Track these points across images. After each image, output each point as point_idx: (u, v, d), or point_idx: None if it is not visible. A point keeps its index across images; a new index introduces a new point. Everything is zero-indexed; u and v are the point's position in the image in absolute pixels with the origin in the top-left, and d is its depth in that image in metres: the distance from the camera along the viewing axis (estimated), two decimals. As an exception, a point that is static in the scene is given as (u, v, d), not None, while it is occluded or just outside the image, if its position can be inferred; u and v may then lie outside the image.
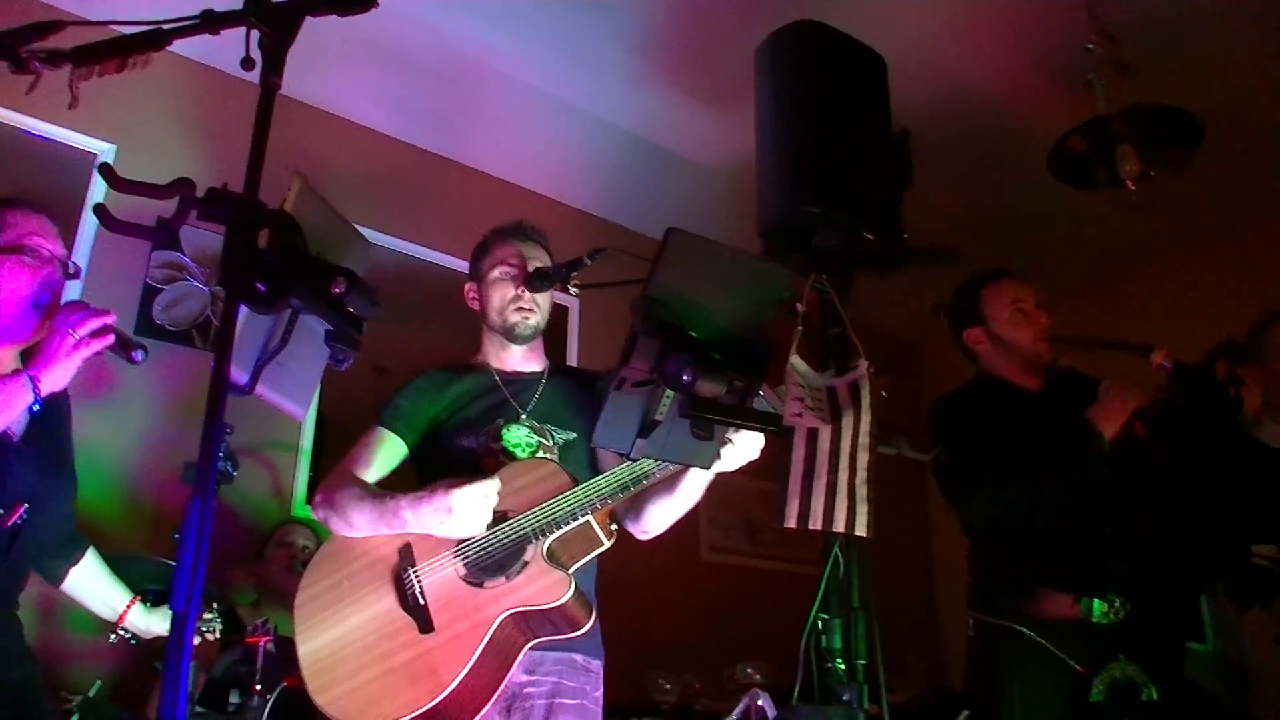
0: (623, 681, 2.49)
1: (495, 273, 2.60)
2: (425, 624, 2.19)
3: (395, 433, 2.47)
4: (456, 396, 2.54)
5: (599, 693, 2.42)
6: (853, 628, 1.75)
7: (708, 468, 2.03)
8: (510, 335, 2.58)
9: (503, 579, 2.20)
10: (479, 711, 2.18)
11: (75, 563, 2.29)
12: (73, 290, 3.15)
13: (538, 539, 2.21)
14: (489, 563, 2.21)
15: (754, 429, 1.87)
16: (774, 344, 1.73)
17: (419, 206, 4.79)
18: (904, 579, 6.19)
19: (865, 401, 1.68)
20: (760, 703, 1.98)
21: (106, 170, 1.35)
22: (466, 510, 2.14)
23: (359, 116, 4.73)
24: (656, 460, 2.13)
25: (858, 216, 2.12)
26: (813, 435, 1.68)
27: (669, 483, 2.29)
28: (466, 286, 2.68)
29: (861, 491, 1.64)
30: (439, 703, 2.10)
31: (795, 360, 1.72)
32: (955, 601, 2.95)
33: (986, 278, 3.10)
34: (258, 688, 2.53)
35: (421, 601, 2.21)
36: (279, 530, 3.69)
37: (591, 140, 4.90)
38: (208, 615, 2.48)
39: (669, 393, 1.66)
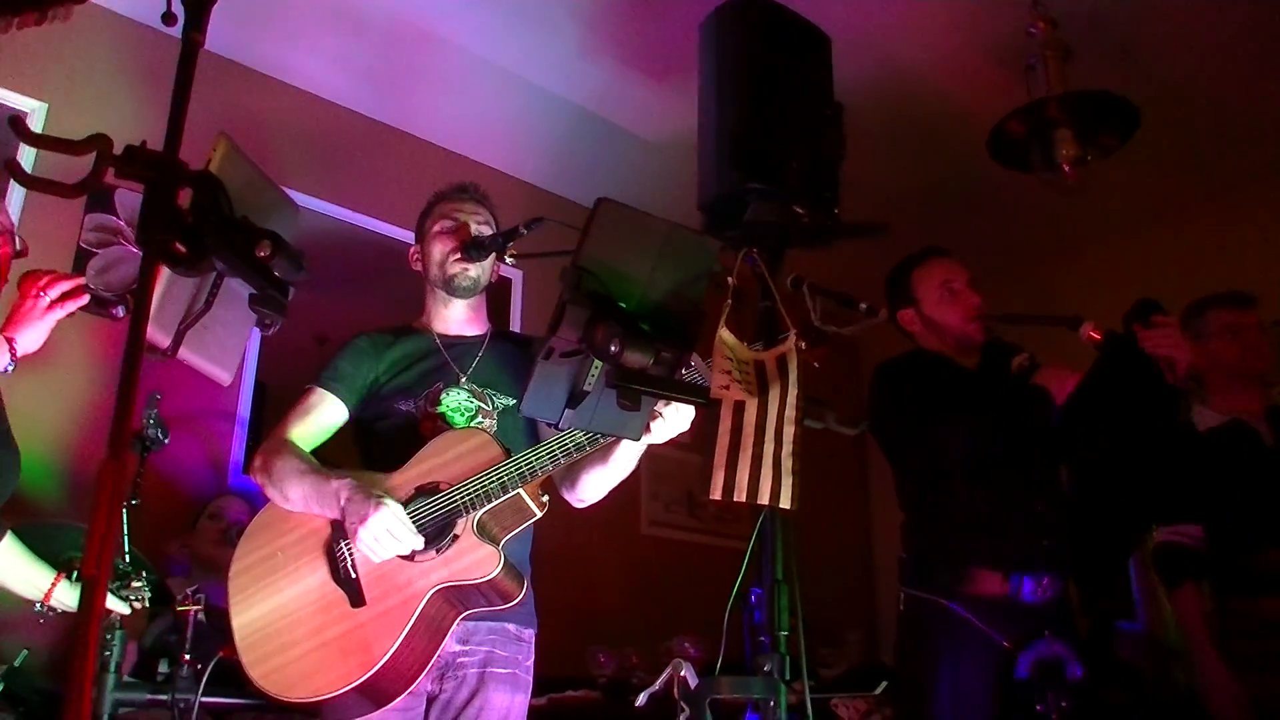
0: (561, 655, 2.51)
1: (435, 227, 2.59)
2: (357, 598, 2.18)
3: (335, 394, 2.45)
4: (396, 359, 2.52)
5: (530, 662, 2.44)
6: (775, 599, 1.76)
7: (636, 439, 2.04)
8: (450, 288, 2.56)
9: (433, 552, 2.19)
10: (411, 683, 2.19)
11: None
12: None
13: (468, 512, 2.20)
14: (403, 554, 2.19)
15: (681, 400, 1.88)
16: (706, 317, 1.73)
17: (362, 174, 4.73)
18: (843, 556, 6.27)
19: (793, 375, 1.69)
20: (683, 673, 2.00)
21: (16, 123, 1.32)
22: (380, 534, 2.12)
23: (302, 81, 4.65)
24: (584, 431, 2.13)
25: (790, 191, 2.13)
26: (739, 408, 1.68)
27: (603, 452, 2.29)
28: (411, 250, 2.67)
29: (787, 464, 1.65)
30: (371, 676, 2.11)
31: (723, 333, 1.73)
32: (892, 577, 2.99)
33: (916, 259, 3.14)
34: (187, 657, 2.50)
35: (354, 575, 2.20)
36: (212, 502, 3.64)
37: (537, 112, 4.86)
38: (136, 584, 2.45)
39: (597, 363, 1.66)
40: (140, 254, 3.57)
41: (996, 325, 3.00)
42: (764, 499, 1.65)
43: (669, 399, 1.85)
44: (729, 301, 1.76)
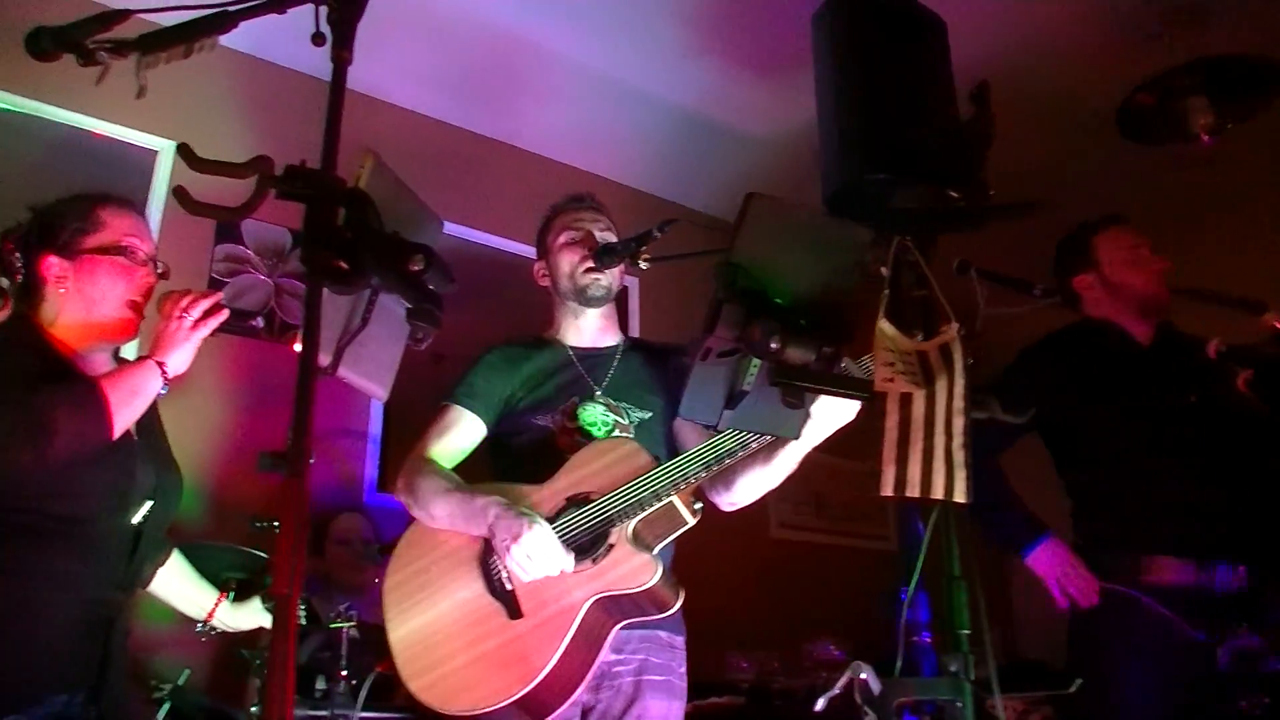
0: (697, 660, 2.47)
1: (561, 239, 2.58)
2: (514, 610, 2.18)
3: (472, 410, 2.45)
4: (531, 374, 2.52)
5: (683, 669, 2.41)
6: (953, 598, 1.70)
7: (796, 437, 2.00)
8: (583, 299, 2.55)
9: (589, 563, 2.18)
10: (570, 695, 2.17)
11: (162, 564, 2.29)
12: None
13: (622, 521, 2.19)
14: (574, 547, 2.19)
15: (845, 396, 1.83)
16: (858, 309, 1.69)
17: (468, 188, 4.77)
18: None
19: (958, 365, 1.63)
20: (863, 676, 1.93)
21: (185, 150, 1.34)
22: (532, 552, 2.10)
23: (406, 101, 4.70)
24: (743, 432, 2.10)
25: (930, 176, 2.06)
26: (905, 401, 1.63)
27: (764, 454, 2.25)
28: (536, 266, 2.66)
29: (959, 457, 1.59)
30: (532, 689, 2.09)
31: (883, 324, 1.67)
32: (1028, 573, 2.87)
33: (1098, 224, 3.07)
34: (344, 673, 2.54)
35: (509, 588, 2.19)
36: (336, 525, 3.69)
37: (641, 116, 4.84)
38: (292, 603, 2.48)
39: (755, 361, 1.62)
40: (269, 280, 3.65)
41: (1180, 296, 2.89)
42: (937, 493, 1.58)
43: (834, 394, 1.80)
44: (886, 292, 1.71)
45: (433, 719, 2.21)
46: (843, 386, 1.70)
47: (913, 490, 1.60)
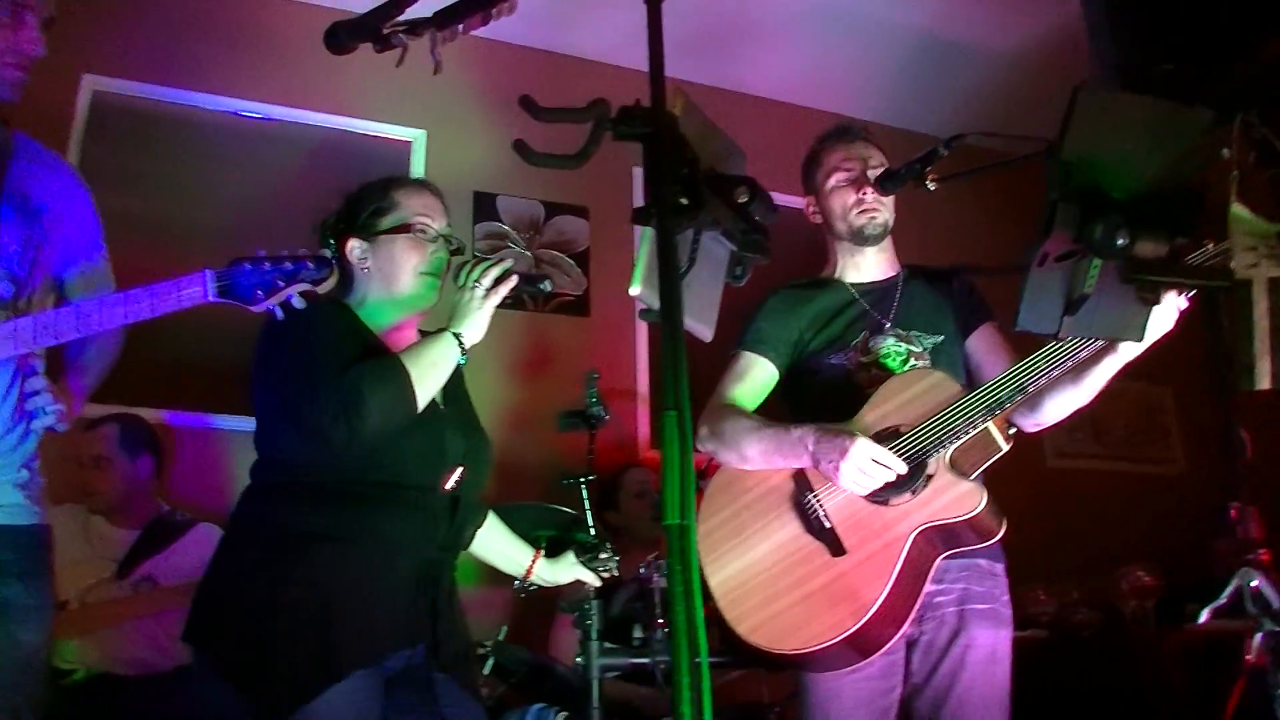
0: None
1: (831, 181, 2.51)
2: (836, 547, 2.16)
3: (763, 355, 2.44)
4: (817, 313, 2.48)
5: (1006, 596, 2.33)
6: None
7: (1140, 339, 1.88)
8: (860, 238, 2.48)
9: (908, 495, 2.14)
10: (899, 628, 2.14)
11: (480, 525, 2.37)
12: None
13: (939, 451, 2.13)
14: (891, 480, 2.15)
15: (1208, 286, 1.70)
16: (1204, 196, 1.56)
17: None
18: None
19: (1330, 243, 1.48)
20: (1255, 583, 1.81)
21: (528, 101, 1.36)
22: (863, 464, 2.09)
23: (631, 60, 4.71)
24: (1084, 339, 2.00)
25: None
26: (1275, 286, 1.50)
27: (1074, 373, 2.14)
28: (805, 202, 2.61)
29: (1345, 343, 1.45)
30: (864, 623, 2.07)
31: (1238, 208, 1.54)
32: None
33: None
34: (660, 621, 2.59)
35: (828, 525, 2.18)
36: (628, 478, 3.78)
37: (873, 44, 4.70)
38: (603, 555, 2.55)
39: (1096, 262, 1.53)
40: (529, 254, 3.70)
41: None
42: (1323, 382, 1.45)
43: (1196, 286, 1.68)
44: (1235, 174, 1.57)
45: (765, 661, 2.23)
46: (1203, 277, 1.58)
47: (1294, 382, 1.47)
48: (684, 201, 1.31)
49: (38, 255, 1.98)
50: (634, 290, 1.51)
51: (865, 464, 2.09)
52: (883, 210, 2.47)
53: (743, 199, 1.45)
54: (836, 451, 2.11)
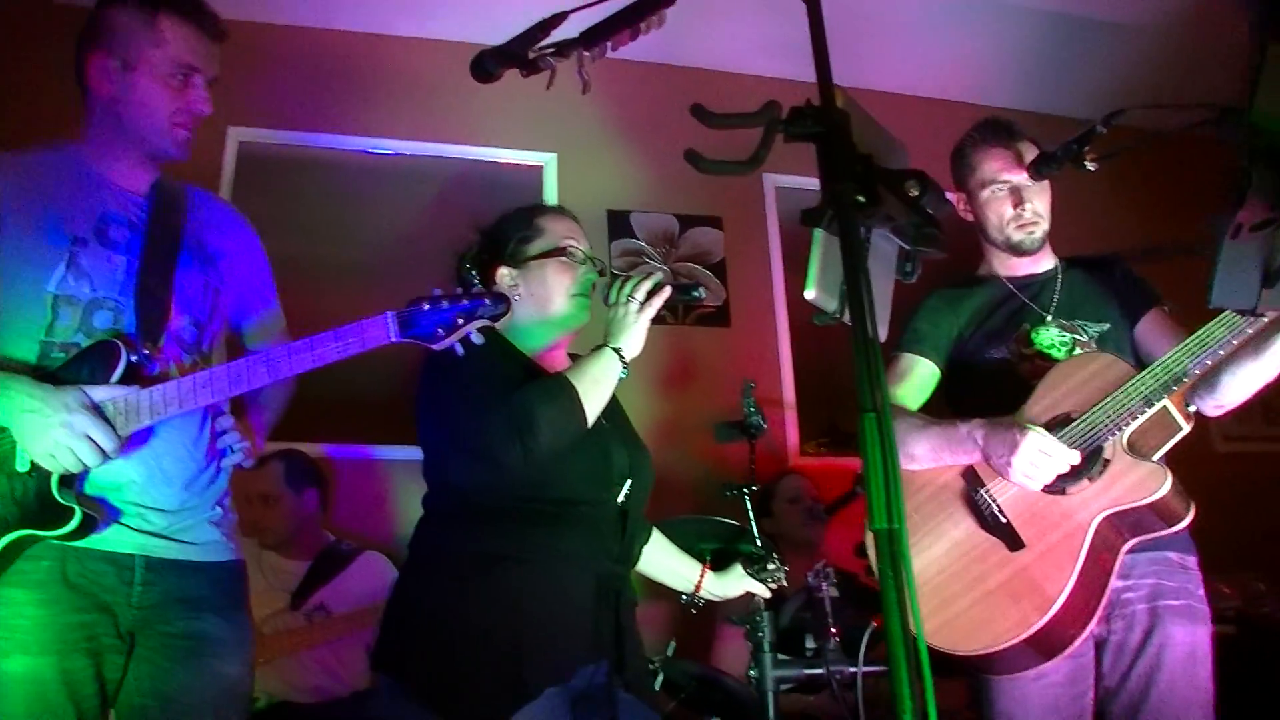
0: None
1: (986, 192, 2.44)
2: (1014, 541, 2.10)
3: (922, 355, 2.41)
4: (974, 309, 2.44)
5: (1201, 591, 2.22)
6: None
7: None
8: (1016, 252, 2.44)
9: (1085, 481, 2.07)
10: (1086, 625, 2.07)
11: (646, 541, 2.36)
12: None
13: (1115, 433, 2.06)
14: (1064, 471, 2.08)
15: None
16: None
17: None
18: None
19: None
20: None
21: (700, 110, 1.36)
22: (1035, 457, 2.04)
23: (754, 68, 4.70)
24: (1245, 317, 1.91)
25: None
26: None
27: (1254, 346, 2.04)
28: (955, 198, 2.55)
29: None
30: (1050, 619, 2.01)
31: None
32: None
33: None
34: (832, 630, 2.56)
35: (1003, 520, 2.12)
36: (782, 485, 3.74)
37: (1002, 30, 4.59)
38: (770, 566, 2.52)
39: (1294, 230, 1.45)
40: (666, 268, 3.72)
41: None
42: None
43: None
44: None
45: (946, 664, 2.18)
46: None
47: None
48: (861, 199, 1.29)
49: (216, 300, 2.07)
50: (809, 294, 1.49)
51: (1036, 457, 2.04)
52: (1040, 223, 2.41)
53: (914, 193, 1.42)
54: (1006, 446, 2.06)
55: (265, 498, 3.38)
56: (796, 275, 4.49)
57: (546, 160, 4.34)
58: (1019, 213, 2.39)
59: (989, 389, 2.33)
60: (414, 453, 3.79)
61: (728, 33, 4.43)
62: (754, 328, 4.34)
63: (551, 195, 4.25)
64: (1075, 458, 2.05)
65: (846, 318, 1.58)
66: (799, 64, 4.73)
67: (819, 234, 1.53)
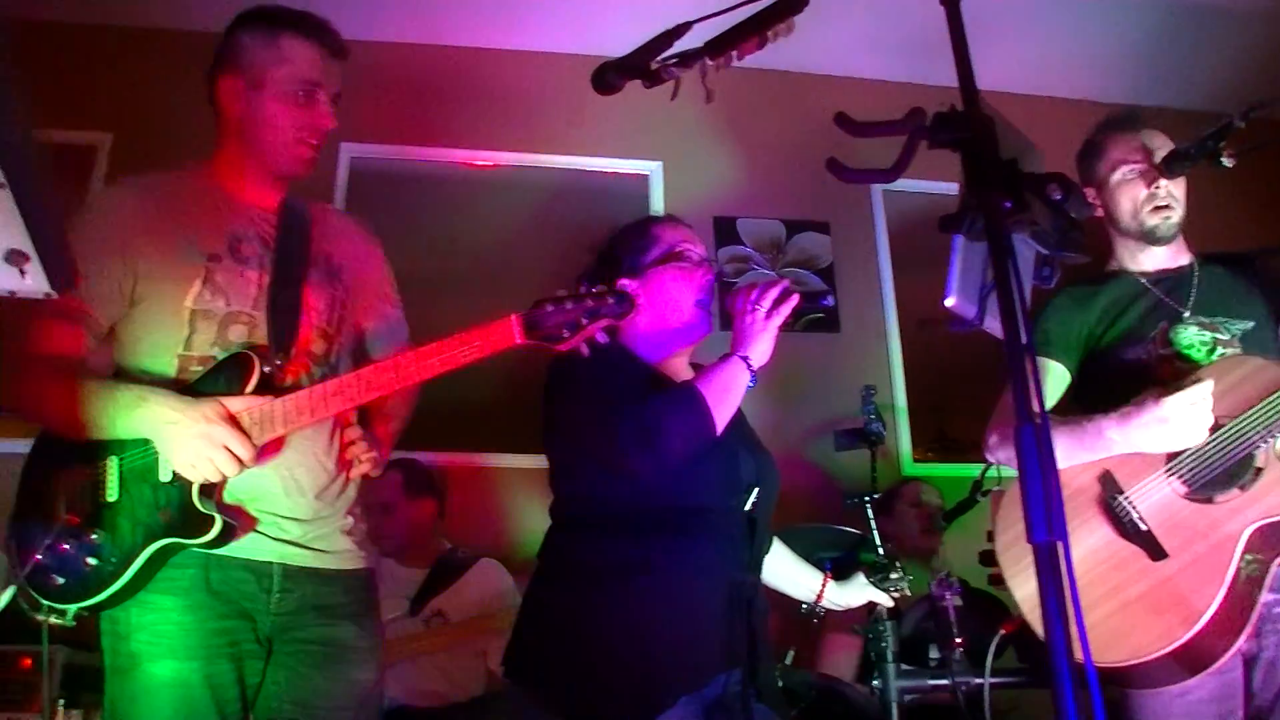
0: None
1: (1117, 175, 2.37)
2: (1155, 550, 2.02)
3: (1051, 358, 2.34)
4: (1106, 307, 2.35)
5: None
6: None
7: None
8: (1150, 239, 2.35)
9: (1235, 490, 1.99)
10: (1234, 641, 1.98)
11: (768, 550, 2.32)
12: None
13: (1268, 441, 1.98)
14: (1213, 476, 2.00)
15: None
16: None
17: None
18: None
19: None
20: None
21: (843, 118, 1.34)
22: (1185, 417, 1.96)
23: (865, 72, 4.65)
24: None
25: None
26: None
27: None
28: (1086, 193, 2.48)
29: None
30: (1195, 634, 1.93)
31: None
32: None
33: None
34: (957, 641, 2.50)
35: (1144, 527, 2.05)
36: (905, 490, 3.69)
37: (1114, 23, 4.46)
38: (894, 575, 2.48)
39: None
40: (773, 273, 3.69)
41: None
42: None
43: None
44: None
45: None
46: None
47: None
48: (1008, 204, 1.26)
49: (343, 311, 2.11)
50: (949, 301, 1.47)
51: (1187, 412, 1.97)
52: (1175, 208, 2.33)
53: (1057, 195, 1.38)
54: (1153, 429, 2.00)
55: (384, 506, 3.44)
56: (905, 279, 4.42)
57: (652, 169, 4.35)
58: (1153, 193, 2.31)
59: (1125, 391, 2.23)
60: (524, 460, 3.87)
61: (829, 36, 4.39)
62: (863, 333, 4.28)
63: (657, 203, 4.26)
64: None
65: (986, 325, 1.55)
66: (907, 66, 4.73)
67: (958, 240, 1.50)
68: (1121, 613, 2.02)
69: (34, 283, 1.03)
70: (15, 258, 0.99)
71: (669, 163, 4.35)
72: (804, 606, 2.47)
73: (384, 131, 4.33)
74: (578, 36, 4.32)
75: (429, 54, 4.51)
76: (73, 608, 1.80)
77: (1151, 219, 2.32)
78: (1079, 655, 1.98)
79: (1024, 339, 1.16)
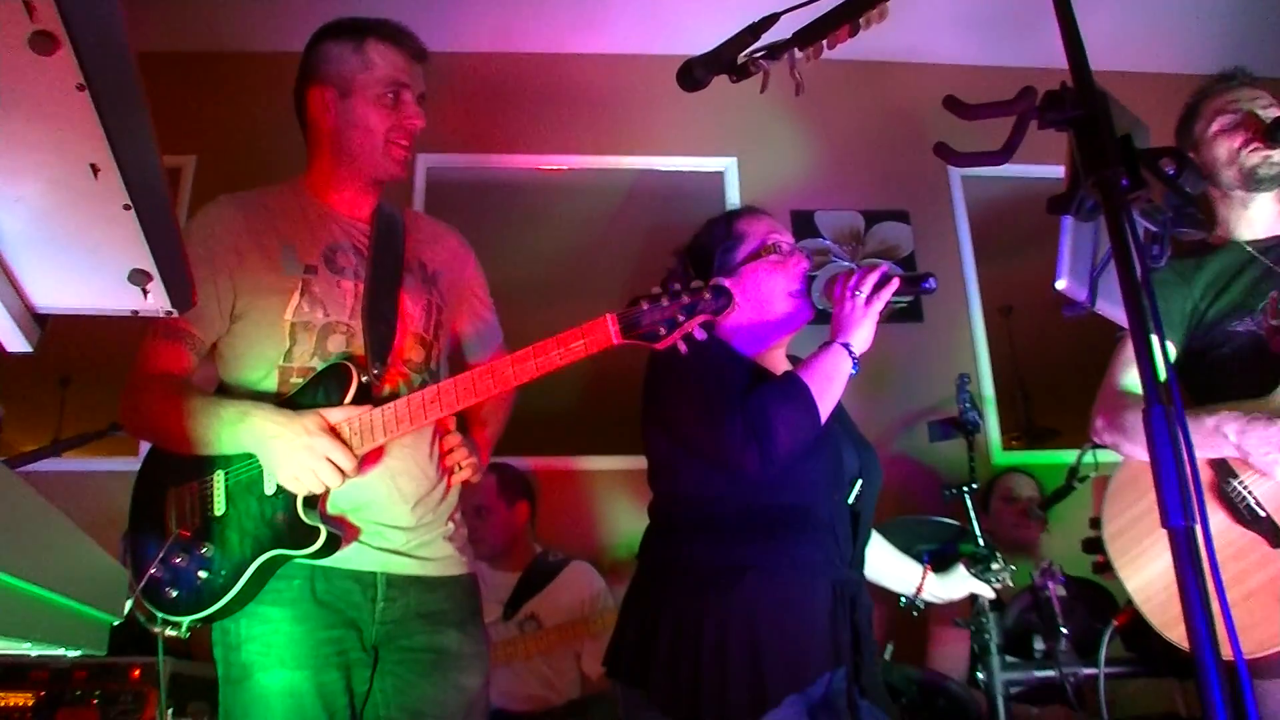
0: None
1: (1214, 127, 2.30)
2: (1276, 537, 1.95)
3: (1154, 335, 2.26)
4: (1208, 281, 2.26)
5: None
6: None
7: None
8: (1252, 182, 2.25)
9: (1366, 476, 1.90)
10: None
11: (867, 543, 2.31)
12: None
13: None
14: None
15: None
16: None
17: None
18: None
19: None
20: None
21: (952, 101, 1.31)
22: None
23: (941, 56, 4.57)
24: None
25: None
26: None
27: None
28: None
29: None
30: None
31: None
32: None
33: None
34: (1064, 632, 2.45)
35: (1262, 514, 1.97)
36: (997, 485, 3.62)
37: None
38: (995, 566, 2.43)
39: None
40: (853, 264, 3.64)
41: None
42: None
43: None
44: None
45: (1172, 666, 2.04)
46: None
47: None
48: (1125, 182, 1.22)
49: (439, 317, 2.12)
50: (1060, 284, 1.43)
51: None
52: (1276, 150, 2.23)
53: (1170, 170, 1.33)
54: (1273, 443, 1.90)
55: (479, 510, 3.46)
56: (987, 267, 4.34)
57: (727, 165, 4.32)
58: (1249, 136, 2.23)
59: (1235, 367, 2.16)
60: (611, 461, 3.87)
61: (903, 21, 4.31)
62: (947, 322, 4.20)
63: (733, 199, 4.23)
64: None
65: (1098, 307, 1.51)
66: (978, 44, 4.65)
67: (1067, 221, 1.46)
68: (1244, 603, 1.94)
69: (155, 302, 1.04)
70: (138, 277, 1.00)
71: (744, 158, 4.32)
72: (903, 600, 2.43)
73: (459, 141, 4.37)
74: (649, 37, 4.32)
75: (500, 61, 4.54)
76: (187, 620, 1.84)
77: (1251, 158, 2.23)
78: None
79: (1150, 319, 1.12)
